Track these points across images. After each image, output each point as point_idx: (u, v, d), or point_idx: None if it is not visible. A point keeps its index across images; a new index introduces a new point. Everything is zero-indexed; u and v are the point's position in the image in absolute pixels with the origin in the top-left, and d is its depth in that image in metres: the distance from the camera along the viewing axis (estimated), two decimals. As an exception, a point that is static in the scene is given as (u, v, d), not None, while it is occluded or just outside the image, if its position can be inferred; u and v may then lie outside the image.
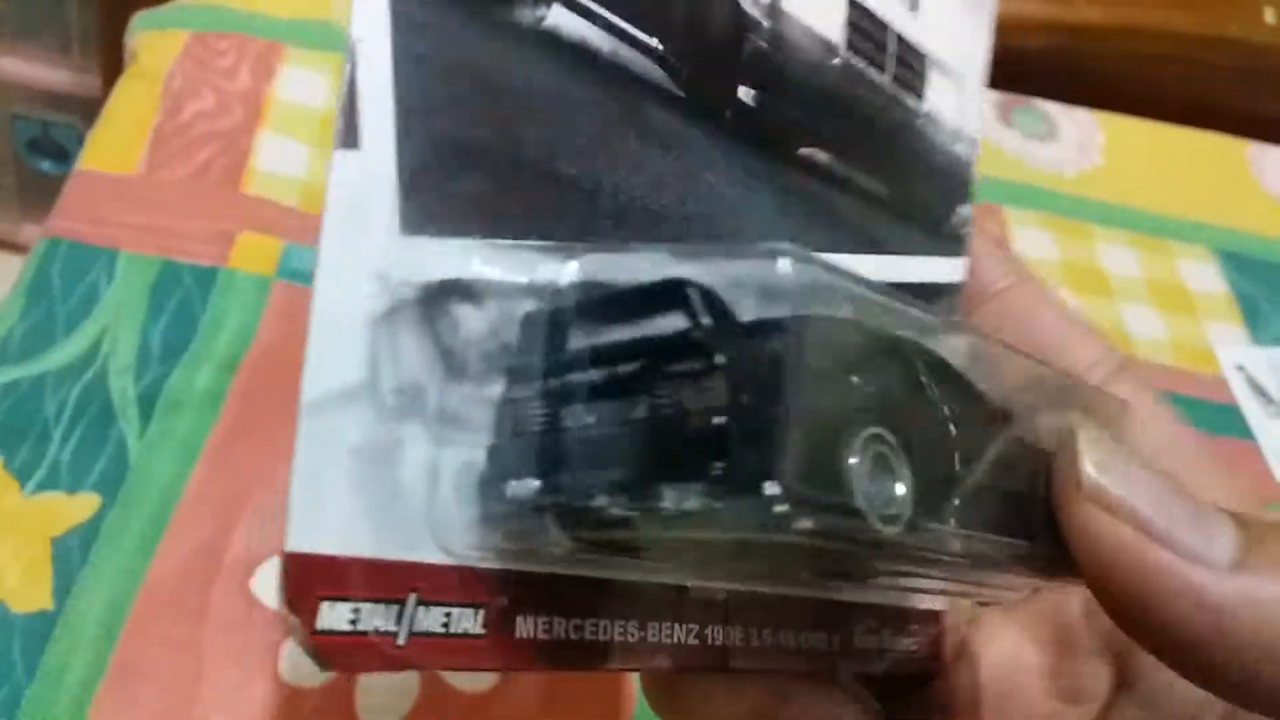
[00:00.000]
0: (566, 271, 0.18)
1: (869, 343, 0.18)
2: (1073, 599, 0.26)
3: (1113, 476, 0.18)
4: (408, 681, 0.44)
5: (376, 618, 0.17)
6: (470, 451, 0.18)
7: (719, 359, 0.16)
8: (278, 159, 0.59)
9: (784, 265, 0.16)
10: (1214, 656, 0.17)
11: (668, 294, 0.17)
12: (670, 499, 0.16)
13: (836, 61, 0.24)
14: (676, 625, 0.21)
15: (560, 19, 0.19)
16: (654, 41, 0.21)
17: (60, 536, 0.45)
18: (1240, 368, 0.66)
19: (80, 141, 0.69)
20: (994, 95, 0.80)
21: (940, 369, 0.19)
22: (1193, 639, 0.17)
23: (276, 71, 0.63)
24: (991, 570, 0.21)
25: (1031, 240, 0.70)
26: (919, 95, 0.26)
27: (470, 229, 0.18)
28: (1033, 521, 0.20)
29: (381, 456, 0.17)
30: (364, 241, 0.17)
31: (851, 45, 0.24)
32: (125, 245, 0.54)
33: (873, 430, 0.17)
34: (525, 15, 0.19)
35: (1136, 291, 0.70)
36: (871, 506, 0.17)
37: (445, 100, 0.18)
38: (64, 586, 0.44)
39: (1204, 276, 0.72)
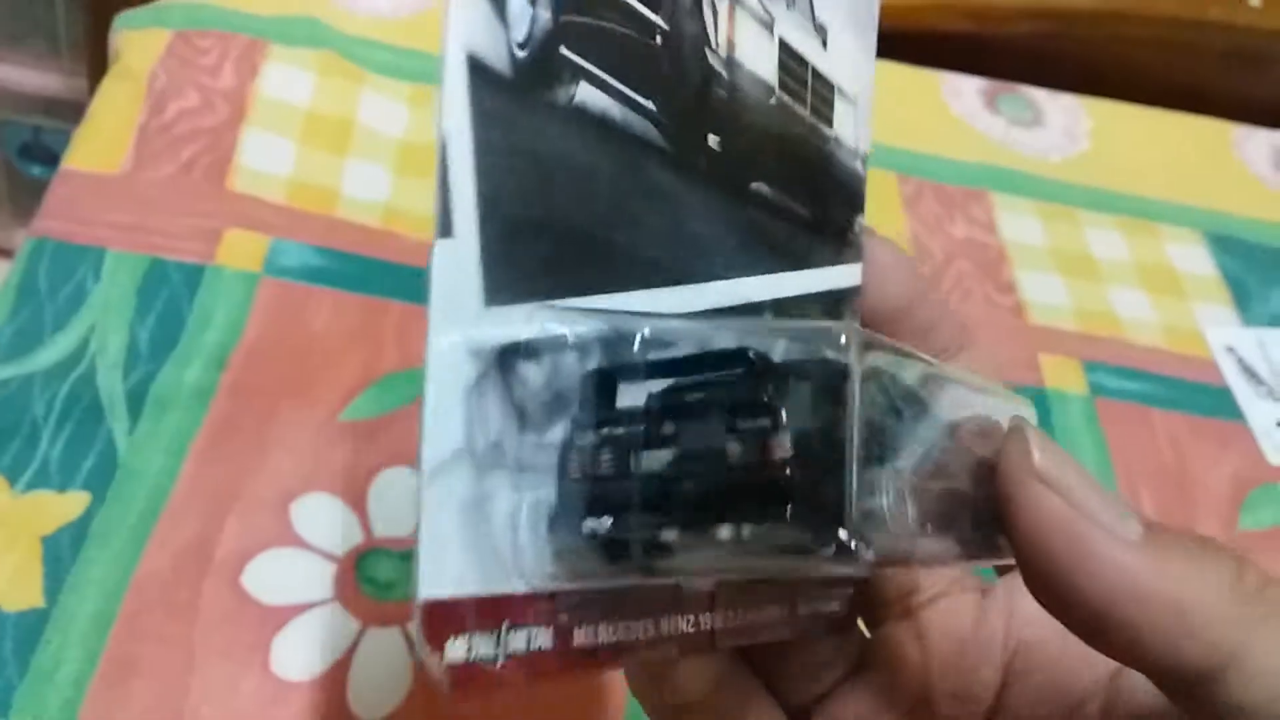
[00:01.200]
0: (637, 337, 0.21)
1: (887, 389, 0.21)
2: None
3: (1055, 462, 0.22)
4: (399, 672, 0.44)
5: (482, 646, 0.19)
6: (537, 492, 0.21)
7: (783, 417, 0.19)
8: (263, 156, 0.59)
9: (843, 340, 0.19)
10: (1127, 611, 0.20)
11: (733, 359, 0.20)
12: (733, 535, 0.19)
13: (773, 101, 0.27)
14: (679, 617, 0.24)
15: (586, 94, 0.21)
16: (649, 103, 0.23)
17: (51, 535, 0.45)
18: (1230, 349, 0.66)
19: (68, 144, 0.69)
20: (980, 82, 0.80)
21: (910, 396, 0.22)
22: (1110, 597, 0.21)
23: (260, 68, 0.63)
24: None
25: (1019, 226, 0.70)
26: (829, 122, 0.29)
27: (532, 294, 0.20)
28: (969, 513, 0.23)
29: (479, 507, 0.20)
30: (461, 320, 0.19)
31: (783, 84, 0.27)
32: (112, 244, 0.54)
33: (892, 466, 0.20)
34: (561, 95, 0.21)
35: (1125, 275, 0.70)
36: (903, 532, 0.20)
37: (509, 181, 0.20)
38: (55, 584, 0.44)
39: (1192, 259, 0.72)
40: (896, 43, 0.71)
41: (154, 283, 0.53)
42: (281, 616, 0.45)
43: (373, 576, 0.46)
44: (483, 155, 0.19)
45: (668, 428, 0.20)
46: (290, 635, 0.44)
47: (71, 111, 1.10)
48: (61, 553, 0.45)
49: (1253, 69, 0.90)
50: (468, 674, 0.19)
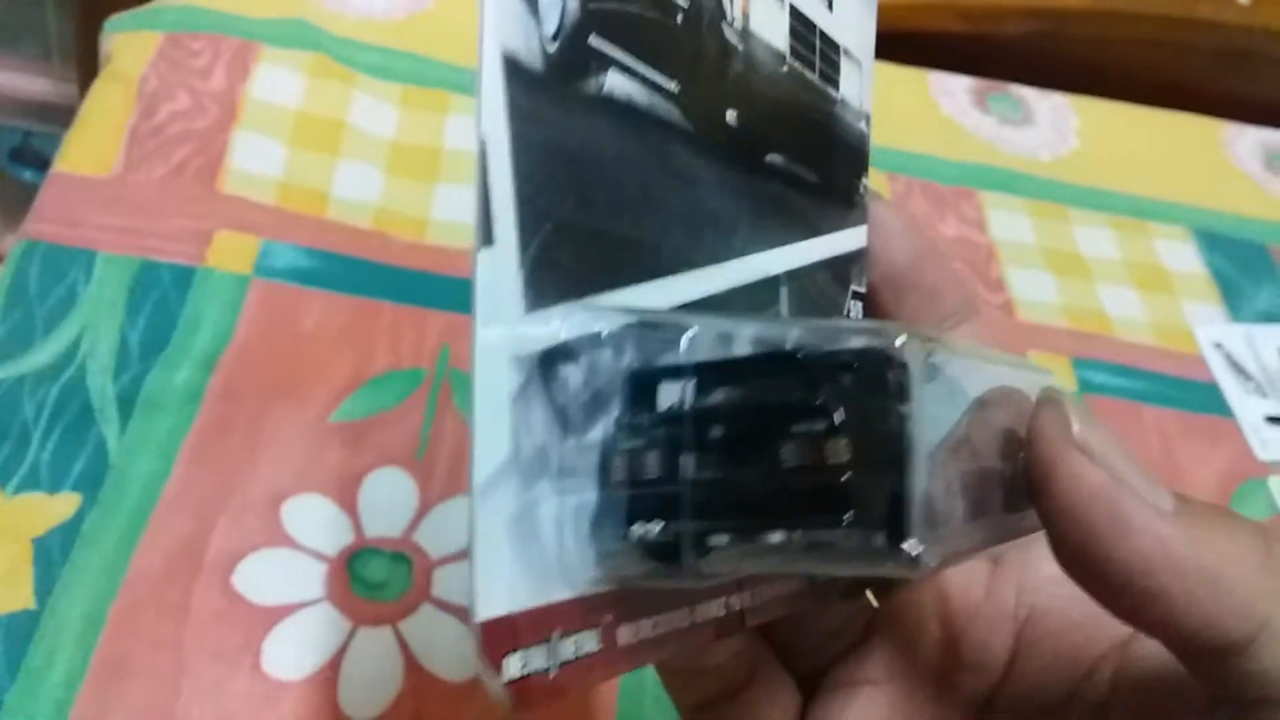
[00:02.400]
0: (684, 338, 0.20)
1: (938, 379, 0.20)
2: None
3: (1093, 432, 0.22)
4: (390, 672, 0.44)
5: (536, 659, 0.19)
6: (580, 496, 0.20)
7: (839, 418, 0.18)
8: (254, 158, 0.59)
9: (900, 341, 0.19)
10: (1162, 581, 0.21)
11: (784, 359, 0.19)
12: (785, 541, 0.19)
13: (784, 69, 0.26)
14: (711, 602, 0.23)
15: (614, 82, 0.21)
16: (672, 84, 0.22)
17: (41, 536, 0.45)
18: (1218, 345, 0.67)
19: (59, 147, 0.69)
20: (969, 81, 0.80)
21: (941, 376, 0.21)
22: (1147, 567, 0.21)
23: (251, 71, 0.63)
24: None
25: (1009, 224, 0.71)
26: (836, 85, 0.28)
27: (570, 294, 0.20)
28: (1001, 493, 0.22)
29: (526, 518, 0.19)
30: (504, 329, 0.19)
31: (793, 51, 0.27)
32: (102, 246, 0.54)
33: (938, 456, 0.19)
34: (590, 85, 0.21)
35: (1115, 273, 0.70)
36: (957, 529, 0.20)
37: (547, 180, 0.19)
38: (46, 586, 0.44)
39: (1181, 256, 0.72)
40: (887, 42, 0.71)
41: (144, 285, 0.53)
42: (272, 616, 0.45)
43: (364, 576, 0.46)
44: (520, 156, 0.19)
45: (716, 430, 0.20)
46: (281, 635, 0.44)
47: (62, 116, 1.10)
48: (52, 554, 0.45)
49: (1242, 67, 0.90)
50: (525, 689, 0.19)
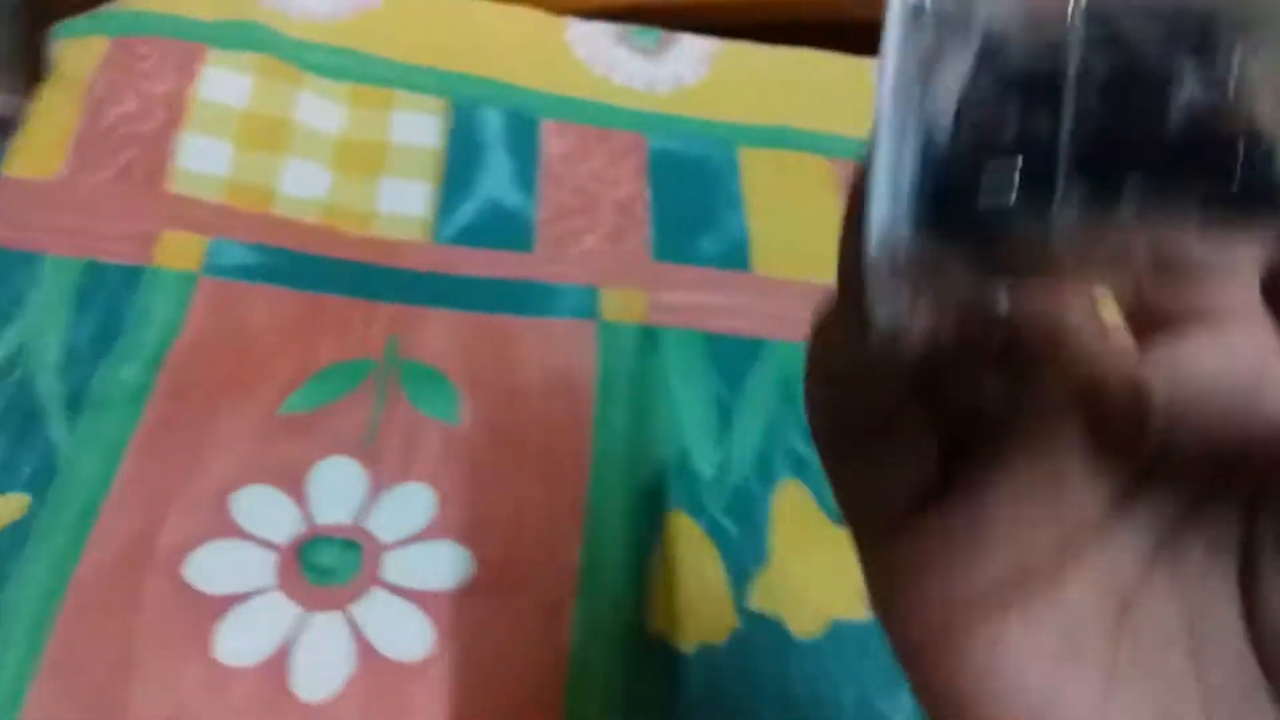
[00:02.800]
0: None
1: None
2: None
3: None
4: (342, 655, 0.45)
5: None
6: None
7: (1232, 86, 0.17)
8: (201, 158, 0.60)
9: None
10: None
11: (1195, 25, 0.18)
12: (1183, 203, 0.17)
13: None
14: None
15: None
16: None
17: (-8, 537, 0.45)
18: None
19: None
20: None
21: None
22: None
23: (198, 73, 0.64)
24: None
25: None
26: None
27: None
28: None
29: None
30: None
31: None
32: (50, 249, 0.54)
33: None
34: None
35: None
36: None
37: None
38: (-3, 585, 0.44)
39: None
40: (841, 33, 0.71)
41: (92, 285, 0.53)
42: (223, 606, 0.45)
43: (315, 563, 0.47)
44: None
45: (1099, 62, 0.18)
46: (232, 623, 0.45)
47: (11, 129, 1.10)
48: (3, 554, 0.45)
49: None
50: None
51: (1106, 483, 0.23)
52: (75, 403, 0.49)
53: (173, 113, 0.62)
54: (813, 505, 0.51)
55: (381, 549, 0.48)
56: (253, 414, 0.51)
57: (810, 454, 0.52)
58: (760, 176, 0.68)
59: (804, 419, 0.25)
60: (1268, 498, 0.22)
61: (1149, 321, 0.24)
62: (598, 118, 0.69)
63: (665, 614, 0.48)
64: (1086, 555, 0.23)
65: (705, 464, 0.52)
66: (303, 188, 0.60)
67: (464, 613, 0.47)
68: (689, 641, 0.47)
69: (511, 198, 0.63)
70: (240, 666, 0.44)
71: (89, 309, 0.52)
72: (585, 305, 0.58)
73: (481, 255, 0.59)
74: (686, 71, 0.74)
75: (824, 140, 0.71)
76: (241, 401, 0.51)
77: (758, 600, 0.48)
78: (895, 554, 0.24)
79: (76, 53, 0.64)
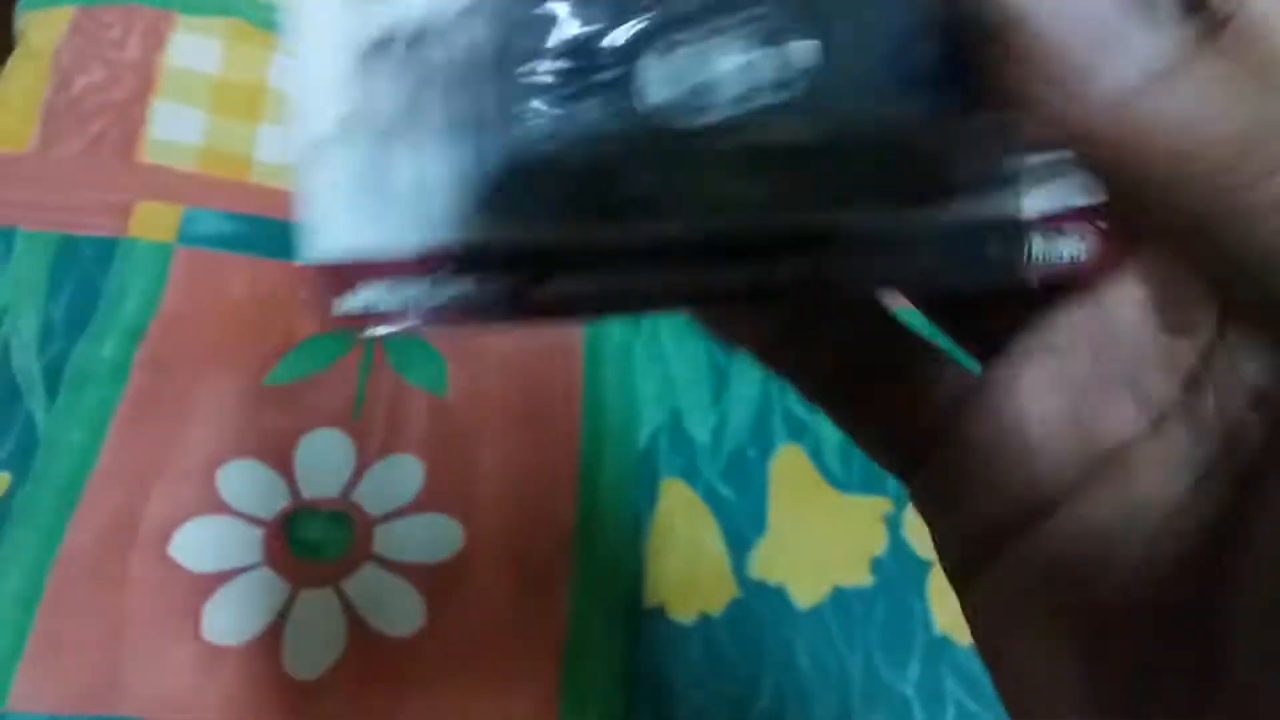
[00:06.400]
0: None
1: None
2: None
3: None
4: (333, 632, 0.44)
5: (379, 299, 0.20)
6: (446, 152, 0.20)
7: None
8: (173, 126, 0.58)
9: None
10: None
11: None
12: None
13: None
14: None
15: None
16: None
17: (-29, 517, 0.44)
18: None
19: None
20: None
21: None
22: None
23: (167, 39, 0.62)
24: None
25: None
26: None
27: None
28: None
29: (374, 173, 0.20)
30: (326, 23, 0.19)
31: None
32: (22, 223, 0.53)
33: None
34: None
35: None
36: None
37: None
38: (-22, 566, 0.43)
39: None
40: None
41: (66, 259, 0.52)
42: (210, 583, 0.44)
43: (302, 538, 0.46)
44: None
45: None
46: (220, 601, 0.44)
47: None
48: (-17, 534, 0.44)
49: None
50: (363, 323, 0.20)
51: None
52: (54, 379, 0.48)
53: (142, 81, 0.60)
54: (812, 470, 0.51)
55: (372, 521, 0.47)
56: (236, 386, 0.50)
57: (809, 416, 0.52)
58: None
59: None
60: None
61: None
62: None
63: (663, 584, 0.47)
64: None
65: (700, 429, 0.51)
66: (279, 154, 0.59)
67: (456, 586, 0.46)
68: (688, 611, 0.46)
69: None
70: (230, 645, 0.43)
71: (65, 283, 0.51)
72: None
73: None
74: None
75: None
76: (224, 374, 0.50)
77: (758, 568, 0.47)
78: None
79: (42, 23, 0.62)
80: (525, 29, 0.19)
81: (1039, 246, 0.22)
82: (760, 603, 0.46)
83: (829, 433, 0.51)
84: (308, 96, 0.19)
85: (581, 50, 0.19)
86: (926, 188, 0.21)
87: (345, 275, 0.19)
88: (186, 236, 0.54)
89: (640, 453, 0.50)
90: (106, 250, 0.53)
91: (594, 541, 0.47)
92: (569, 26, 0.19)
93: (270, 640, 0.43)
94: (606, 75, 0.19)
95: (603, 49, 0.19)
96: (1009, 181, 0.21)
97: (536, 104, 0.19)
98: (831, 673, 0.45)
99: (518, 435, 0.50)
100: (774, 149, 0.19)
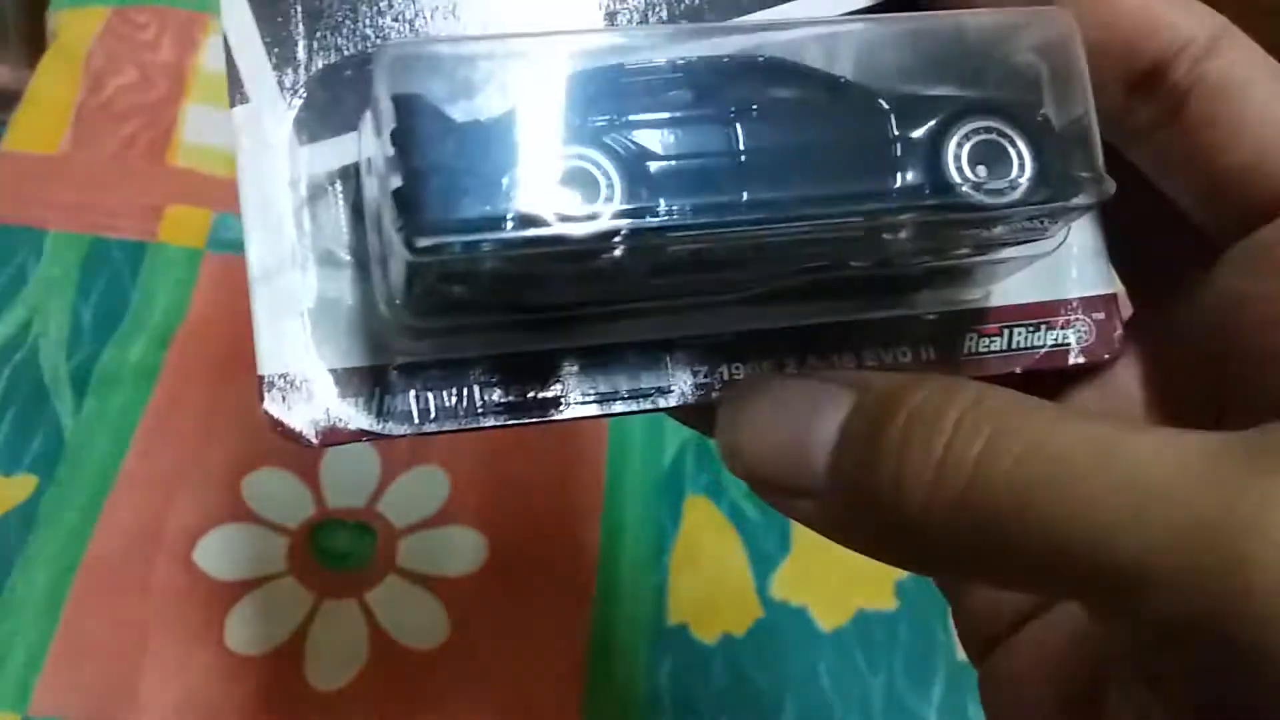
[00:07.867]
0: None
1: None
2: None
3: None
4: (356, 643, 0.44)
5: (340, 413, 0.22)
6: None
7: None
8: (205, 130, 0.58)
9: None
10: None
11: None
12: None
13: None
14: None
15: None
16: None
17: (-2, 519, 0.44)
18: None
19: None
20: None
21: None
22: None
23: (200, 42, 0.62)
24: None
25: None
26: None
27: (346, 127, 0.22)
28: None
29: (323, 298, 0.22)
30: (273, 163, 0.22)
31: None
32: (52, 225, 0.53)
33: None
34: None
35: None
36: None
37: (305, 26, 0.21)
38: (5, 568, 0.44)
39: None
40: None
41: (96, 262, 0.52)
42: (234, 592, 0.44)
43: (327, 548, 0.46)
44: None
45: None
46: (244, 610, 0.44)
47: (14, 103, 1.09)
48: (10, 537, 0.44)
49: None
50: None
51: None
52: (82, 382, 0.48)
53: (175, 83, 0.60)
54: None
55: (397, 533, 0.47)
56: (262, 394, 0.49)
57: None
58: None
59: None
60: None
61: None
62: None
63: (687, 602, 0.47)
64: None
65: (725, 447, 0.51)
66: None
67: (479, 600, 0.46)
68: (711, 631, 0.46)
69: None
70: (253, 655, 0.43)
71: (93, 286, 0.51)
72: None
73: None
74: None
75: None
76: (251, 380, 0.49)
77: (781, 589, 0.47)
78: None
79: (75, 23, 0.63)
80: None
81: (1020, 337, 0.23)
82: (783, 624, 0.46)
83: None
84: (254, 226, 0.21)
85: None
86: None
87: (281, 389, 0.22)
88: (216, 241, 0.54)
89: (666, 469, 0.49)
90: (136, 254, 0.53)
91: (618, 557, 0.47)
92: None
93: (292, 650, 0.43)
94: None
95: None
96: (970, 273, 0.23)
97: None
98: (854, 696, 0.45)
99: (543, 448, 0.50)
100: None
